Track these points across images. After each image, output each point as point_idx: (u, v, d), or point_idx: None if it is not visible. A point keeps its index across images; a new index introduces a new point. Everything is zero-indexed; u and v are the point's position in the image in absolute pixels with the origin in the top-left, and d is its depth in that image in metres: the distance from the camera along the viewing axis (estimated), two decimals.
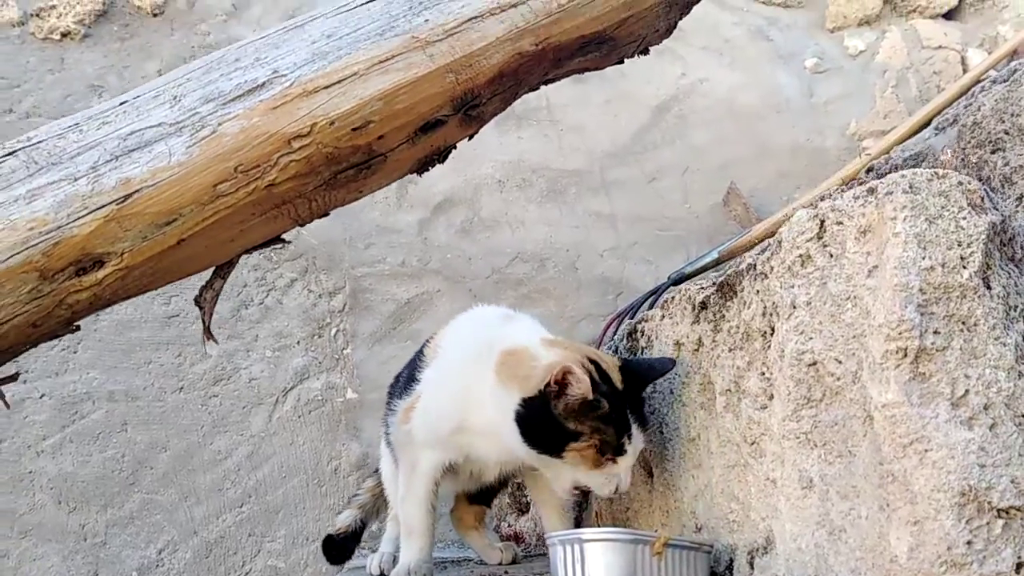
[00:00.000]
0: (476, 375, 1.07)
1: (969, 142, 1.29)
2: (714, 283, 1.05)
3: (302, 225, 0.90)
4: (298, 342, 2.19)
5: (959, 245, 0.71)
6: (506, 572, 1.27)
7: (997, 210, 0.76)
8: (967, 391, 0.68)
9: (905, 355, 0.69)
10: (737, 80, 2.84)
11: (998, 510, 0.64)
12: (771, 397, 0.89)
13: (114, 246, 0.79)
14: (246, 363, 2.12)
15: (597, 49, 0.87)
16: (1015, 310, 0.73)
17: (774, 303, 0.88)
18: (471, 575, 1.28)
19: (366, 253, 2.34)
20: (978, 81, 2.17)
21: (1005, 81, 1.28)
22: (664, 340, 1.15)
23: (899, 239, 0.71)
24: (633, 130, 2.75)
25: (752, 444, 0.92)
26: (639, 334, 1.25)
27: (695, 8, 2.91)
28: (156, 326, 2.10)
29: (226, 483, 2.00)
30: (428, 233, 2.45)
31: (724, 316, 1.01)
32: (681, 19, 0.92)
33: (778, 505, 0.84)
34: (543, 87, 2.71)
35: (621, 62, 0.93)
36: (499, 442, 1.07)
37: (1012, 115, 1.20)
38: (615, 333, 1.40)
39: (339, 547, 1.48)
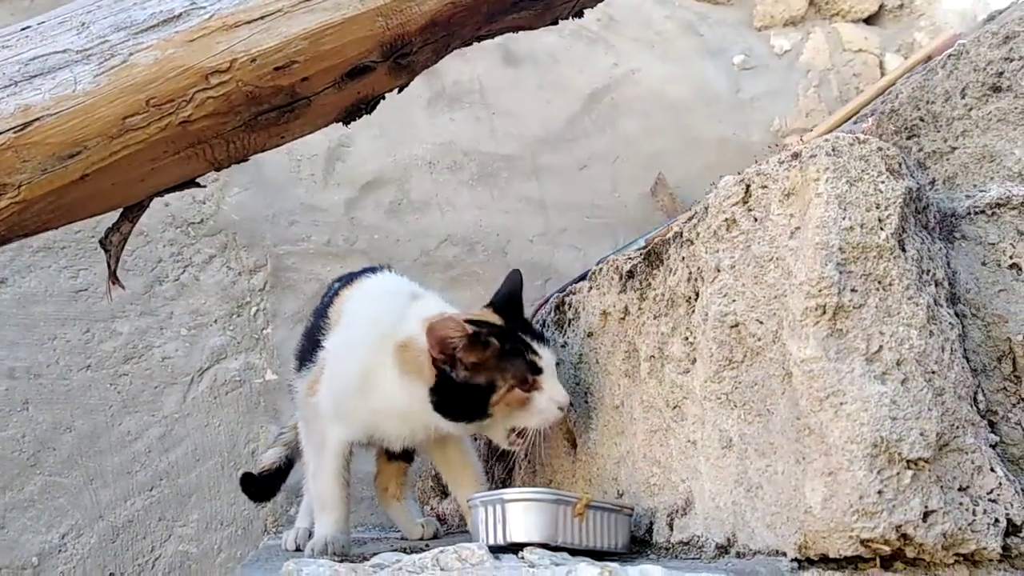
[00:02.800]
0: (377, 362, 1.06)
1: (887, 128, 1.34)
2: (642, 252, 1.05)
3: (219, 169, 0.85)
4: (215, 320, 2.11)
5: (877, 207, 0.73)
6: (427, 545, 1.24)
7: (914, 177, 0.78)
8: (881, 347, 0.69)
9: (824, 312, 0.70)
10: (667, 72, 2.88)
11: (907, 461, 0.65)
12: (694, 361, 0.89)
13: (11, 177, 0.73)
14: (159, 341, 2.02)
15: (532, 6, 0.86)
16: (927, 273, 0.76)
17: (699, 268, 0.89)
18: (391, 549, 1.25)
19: (290, 231, 2.27)
20: (893, 84, 2.27)
21: (922, 72, 1.34)
22: (591, 310, 1.15)
23: (821, 200, 0.73)
24: (565, 117, 2.75)
25: (674, 408, 0.92)
26: (566, 306, 1.25)
27: (629, 0, 2.93)
28: (62, 300, 1.98)
29: (135, 465, 1.90)
30: (355, 213, 2.39)
31: (650, 284, 1.02)
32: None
33: (698, 466, 0.85)
34: (477, 71, 2.67)
35: (555, 23, 0.92)
36: (409, 422, 1.07)
37: (927, 103, 1.25)
38: (543, 318, 1.40)
39: (260, 484, 1.42)
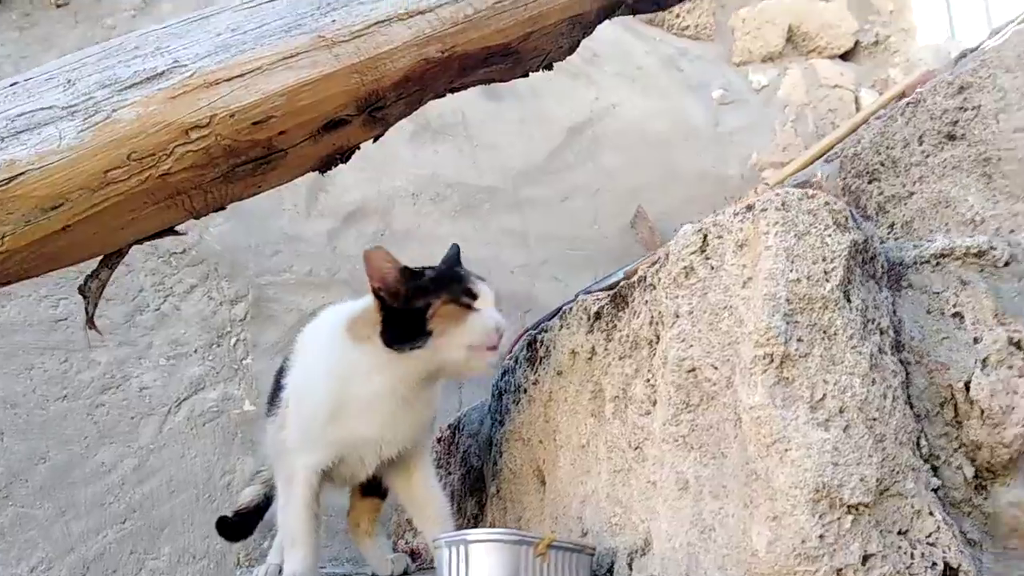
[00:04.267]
0: (337, 351, 1.11)
1: (850, 172, 1.39)
2: (609, 294, 1.09)
3: (197, 217, 0.88)
4: (195, 351, 2.11)
5: (823, 260, 0.77)
6: None
7: (860, 230, 0.82)
8: (825, 395, 0.73)
9: (771, 360, 0.74)
10: (648, 107, 2.95)
11: (848, 506, 0.68)
12: (654, 403, 0.92)
13: None
14: (137, 371, 2.02)
15: (502, 61, 0.89)
16: (872, 323, 0.79)
17: (660, 312, 0.92)
18: None
19: (272, 261, 2.29)
20: (868, 120, 2.33)
21: (883, 117, 1.39)
22: (561, 349, 1.18)
23: (770, 252, 0.76)
24: (547, 150, 2.80)
25: (636, 449, 0.95)
26: (538, 344, 1.28)
27: (609, 34, 3.00)
28: (42, 330, 1.98)
29: (109, 497, 1.90)
30: (338, 243, 2.41)
31: (616, 326, 1.05)
32: (584, 38, 0.96)
33: (657, 507, 0.88)
34: (460, 104, 2.72)
35: (526, 75, 0.96)
36: (377, 409, 1.10)
37: (887, 148, 1.30)
38: (516, 354, 1.43)
39: (236, 525, 1.44)
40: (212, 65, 0.78)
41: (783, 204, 0.78)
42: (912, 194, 1.25)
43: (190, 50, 0.81)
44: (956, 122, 1.18)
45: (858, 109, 3.13)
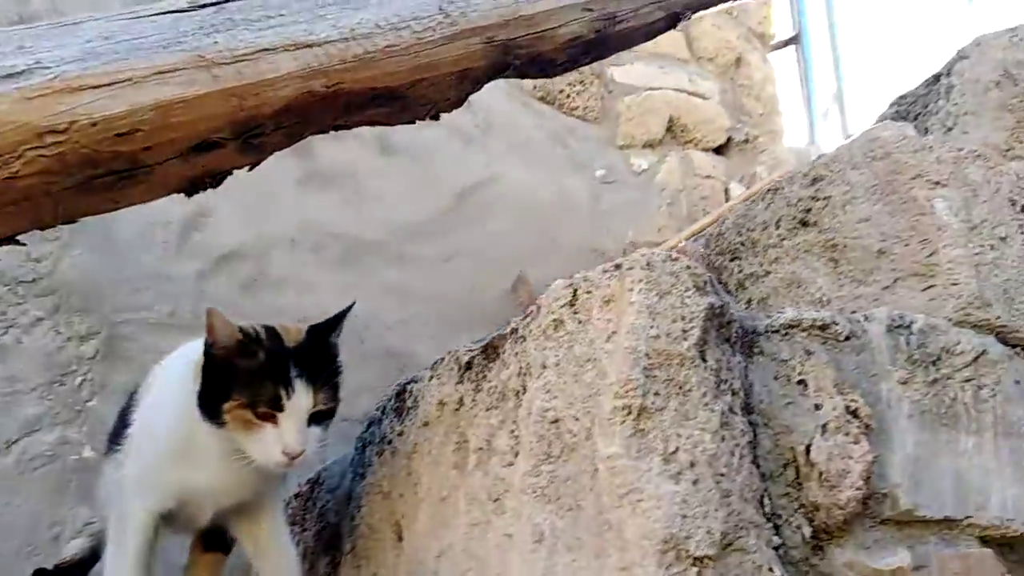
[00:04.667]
0: (188, 390, 1.02)
1: (714, 249, 1.47)
2: (482, 345, 1.09)
3: (42, 228, 0.82)
4: (33, 388, 1.93)
5: (683, 319, 0.80)
6: None
7: (718, 295, 0.87)
8: (678, 448, 0.75)
9: (630, 412, 0.76)
10: (535, 178, 3.04)
11: (694, 558, 0.70)
12: (517, 454, 0.92)
13: None
14: None
15: (389, 104, 0.90)
16: (725, 383, 0.83)
17: (528, 364, 0.93)
18: None
19: (132, 298, 2.14)
20: (733, 209, 2.49)
21: (747, 202, 1.49)
22: (429, 400, 1.17)
23: (633, 308, 0.79)
24: (434, 210, 2.82)
25: (496, 501, 0.94)
26: (407, 395, 1.26)
27: (504, 107, 3.10)
28: None
29: None
30: (207, 286, 2.29)
31: (486, 376, 1.04)
32: (472, 93, 0.98)
33: (511, 560, 0.87)
34: (351, 156, 2.70)
35: (412, 122, 0.97)
36: (216, 453, 1.02)
37: (748, 230, 1.39)
38: (383, 404, 1.39)
39: None
40: (77, 71, 0.74)
41: (648, 264, 0.82)
42: (768, 273, 1.34)
43: (55, 53, 0.77)
44: (809, 210, 1.28)
45: (727, 199, 3.36)
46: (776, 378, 0.91)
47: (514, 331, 1.00)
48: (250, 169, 0.89)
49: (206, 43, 0.80)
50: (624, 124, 3.41)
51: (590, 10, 0.99)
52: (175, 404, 1.05)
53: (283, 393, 0.97)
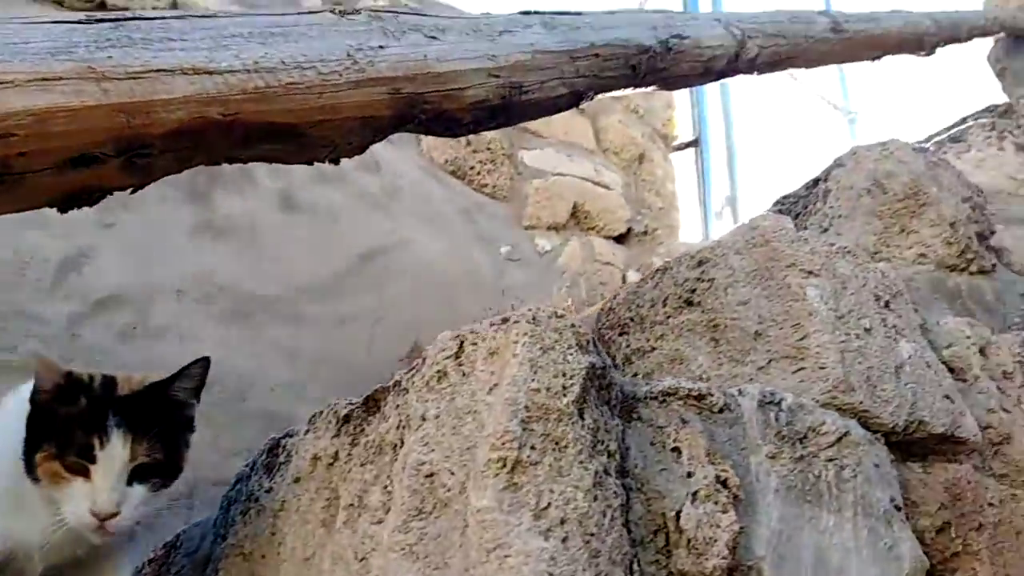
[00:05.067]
0: (17, 436, 0.93)
1: (605, 324, 1.50)
2: (362, 397, 1.06)
3: None
4: None
5: (564, 375, 0.81)
6: None
7: (600, 356, 0.88)
8: (549, 504, 0.74)
9: (504, 465, 0.74)
10: (440, 249, 3.06)
11: None
12: (388, 510, 0.88)
13: None
14: None
15: (288, 141, 0.89)
16: (601, 444, 0.83)
17: (408, 416, 0.90)
18: None
19: None
20: None
21: (639, 280, 1.54)
22: (303, 454, 1.11)
23: (516, 360, 0.79)
24: (334, 270, 2.78)
25: (362, 560, 0.89)
26: (280, 449, 1.20)
27: (416, 176, 3.13)
28: None
29: None
30: (81, 330, 2.15)
31: (364, 430, 1.01)
32: (375, 141, 0.98)
33: None
34: (252, 208, 2.64)
35: (311, 163, 0.96)
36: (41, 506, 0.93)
37: (637, 306, 1.43)
38: (254, 459, 1.32)
39: None
40: None
41: (534, 319, 0.82)
42: (654, 349, 1.37)
43: None
44: (694, 290, 1.34)
45: (623, 285, 3.47)
46: (652, 444, 0.92)
47: (397, 383, 0.98)
48: (132, 191, 0.85)
49: (99, 56, 0.77)
50: (531, 206, 3.51)
51: (497, 76, 1.02)
52: (4, 451, 0.96)
53: (96, 443, 0.89)
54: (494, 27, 1.05)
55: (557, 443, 0.77)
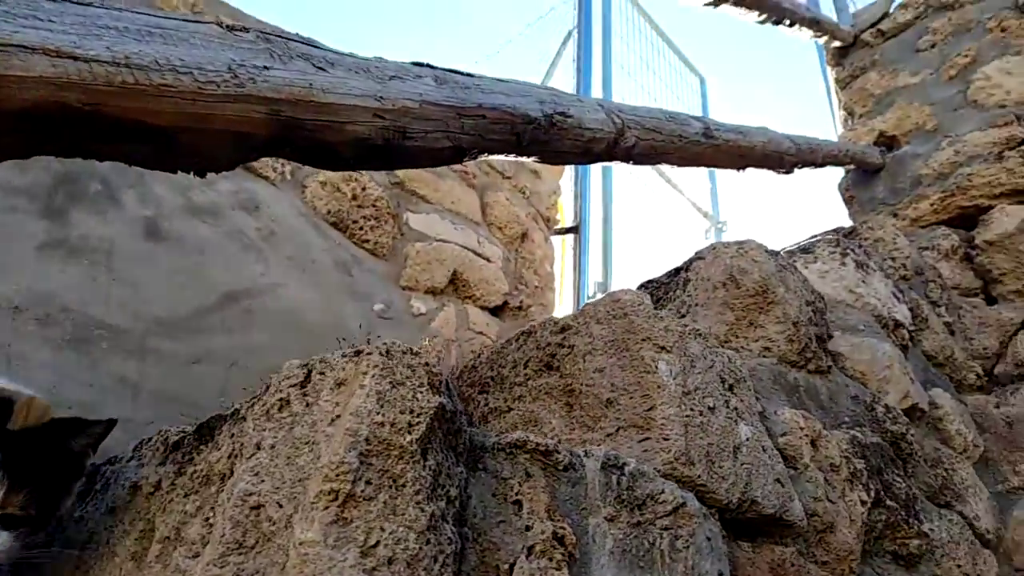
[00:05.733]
0: None
1: (467, 381, 1.50)
2: (196, 424, 0.99)
3: None
4: None
5: (411, 412, 0.79)
6: None
7: (452, 400, 0.87)
8: (379, 543, 0.71)
9: (336, 498, 0.71)
10: (311, 299, 2.98)
11: None
12: (206, 544, 0.82)
13: None
14: None
15: (153, 143, 0.85)
16: (442, 488, 0.82)
17: (242, 445, 0.86)
18: None
19: None
20: None
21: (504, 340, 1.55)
22: (122, 482, 1.03)
23: (363, 391, 0.77)
24: (195, 307, 2.64)
25: None
26: (99, 477, 1.10)
27: (294, 223, 3.06)
28: None
29: None
30: None
31: (193, 459, 0.95)
32: (249, 160, 0.96)
33: None
34: (112, 233, 2.49)
35: (175, 171, 0.92)
36: None
37: (499, 366, 1.44)
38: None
39: None
40: None
41: (387, 352, 0.81)
42: (511, 409, 1.38)
43: None
44: (555, 355, 1.36)
45: None
46: (494, 495, 0.91)
47: (236, 412, 0.93)
48: None
49: None
50: (411, 267, 3.50)
51: (382, 117, 1.03)
52: None
53: None
54: (385, 71, 1.07)
55: (395, 480, 0.75)
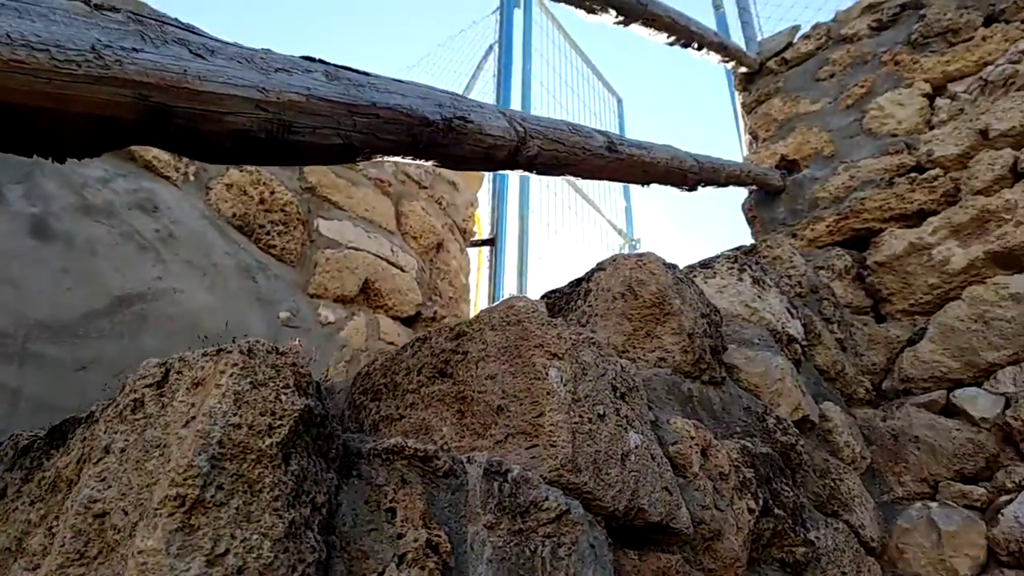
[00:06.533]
0: None
1: (359, 388, 1.46)
2: (48, 428, 0.93)
3: None
4: None
5: (272, 414, 0.76)
6: None
7: (320, 402, 0.84)
8: (228, 551, 0.67)
9: (182, 504, 0.67)
10: (211, 304, 2.87)
11: None
12: (47, 555, 0.76)
13: None
14: None
15: (4, 122, 0.80)
16: (307, 495, 0.78)
17: (91, 448, 0.80)
18: None
19: None
20: None
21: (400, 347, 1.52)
22: None
23: (219, 391, 0.73)
24: (84, 311, 2.51)
25: None
26: None
27: (196, 225, 2.94)
28: None
29: None
30: None
31: (42, 464, 0.88)
32: (115, 147, 0.91)
33: None
34: None
35: (31, 155, 0.86)
36: None
37: (393, 373, 1.41)
38: None
39: None
40: None
41: (249, 351, 0.77)
42: (403, 417, 1.35)
43: None
44: (448, 361, 1.34)
45: None
46: (367, 502, 0.88)
47: (91, 414, 0.87)
48: None
49: None
50: (320, 274, 3.42)
51: (265, 110, 0.99)
52: None
53: None
54: (271, 63, 1.03)
55: (251, 486, 0.71)
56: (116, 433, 0.78)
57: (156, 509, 0.67)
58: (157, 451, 0.74)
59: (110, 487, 0.74)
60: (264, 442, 0.74)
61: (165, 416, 0.76)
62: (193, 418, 0.74)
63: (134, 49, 0.87)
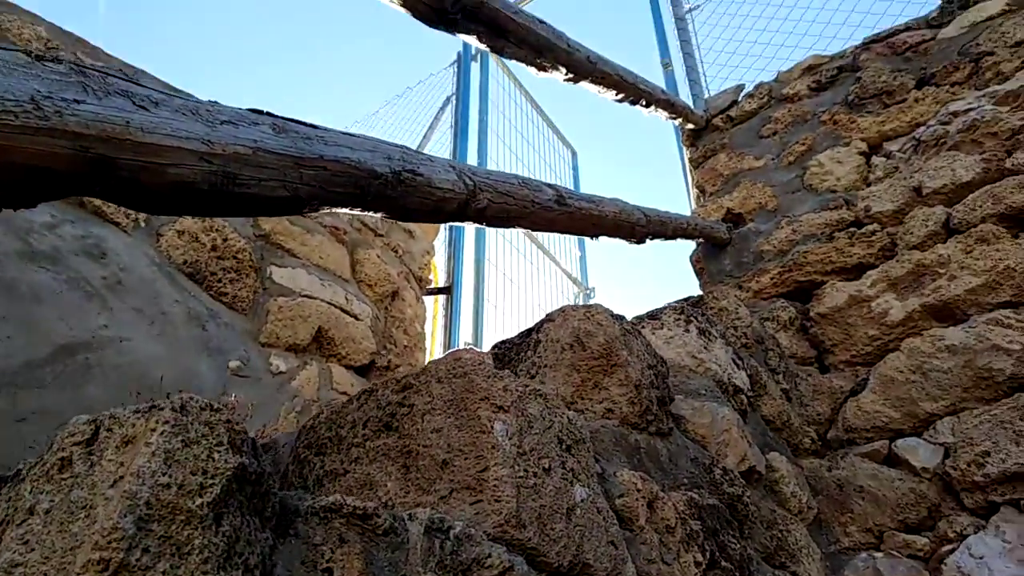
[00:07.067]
0: None
1: (303, 442, 1.44)
2: None
3: None
4: None
5: (204, 474, 0.74)
6: None
7: (256, 460, 0.83)
8: None
9: (106, 568, 0.65)
10: (157, 353, 2.81)
11: None
12: None
13: None
14: None
15: None
16: (239, 556, 0.77)
17: (16, 509, 0.77)
18: None
19: None
20: None
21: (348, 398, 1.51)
22: None
23: (149, 450, 0.72)
24: (25, 360, 2.44)
25: None
26: None
27: (145, 272, 2.89)
28: None
29: None
30: None
31: None
32: (51, 198, 0.89)
33: None
34: None
35: None
36: None
37: (338, 426, 1.39)
38: None
39: None
40: None
41: (182, 408, 0.76)
42: (347, 472, 1.33)
43: None
44: (394, 415, 1.33)
45: None
46: (303, 563, 0.86)
47: (17, 472, 0.85)
48: None
49: None
50: (272, 323, 3.38)
51: (209, 162, 0.99)
52: None
53: None
54: (217, 116, 1.04)
55: (179, 548, 0.70)
56: (42, 493, 0.76)
57: (79, 574, 0.65)
58: (83, 512, 0.72)
59: (33, 550, 0.72)
60: (194, 502, 0.72)
61: (93, 476, 0.74)
62: (121, 477, 0.72)
63: (75, 100, 0.87)
